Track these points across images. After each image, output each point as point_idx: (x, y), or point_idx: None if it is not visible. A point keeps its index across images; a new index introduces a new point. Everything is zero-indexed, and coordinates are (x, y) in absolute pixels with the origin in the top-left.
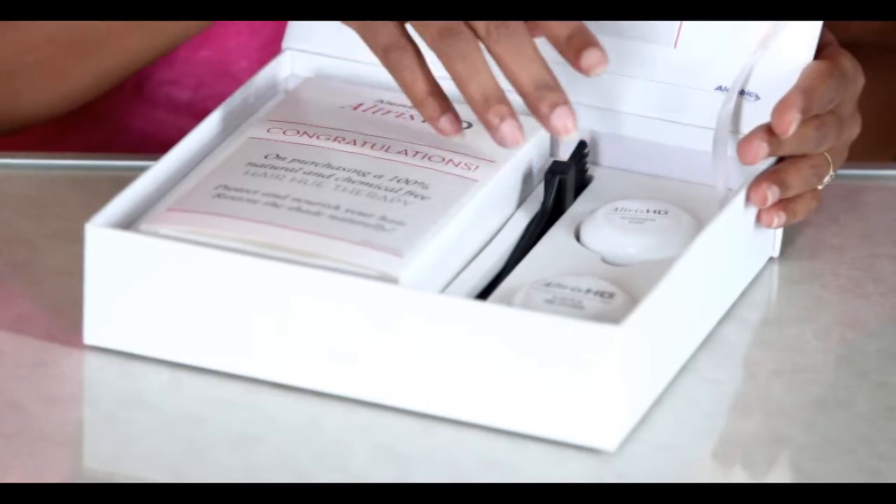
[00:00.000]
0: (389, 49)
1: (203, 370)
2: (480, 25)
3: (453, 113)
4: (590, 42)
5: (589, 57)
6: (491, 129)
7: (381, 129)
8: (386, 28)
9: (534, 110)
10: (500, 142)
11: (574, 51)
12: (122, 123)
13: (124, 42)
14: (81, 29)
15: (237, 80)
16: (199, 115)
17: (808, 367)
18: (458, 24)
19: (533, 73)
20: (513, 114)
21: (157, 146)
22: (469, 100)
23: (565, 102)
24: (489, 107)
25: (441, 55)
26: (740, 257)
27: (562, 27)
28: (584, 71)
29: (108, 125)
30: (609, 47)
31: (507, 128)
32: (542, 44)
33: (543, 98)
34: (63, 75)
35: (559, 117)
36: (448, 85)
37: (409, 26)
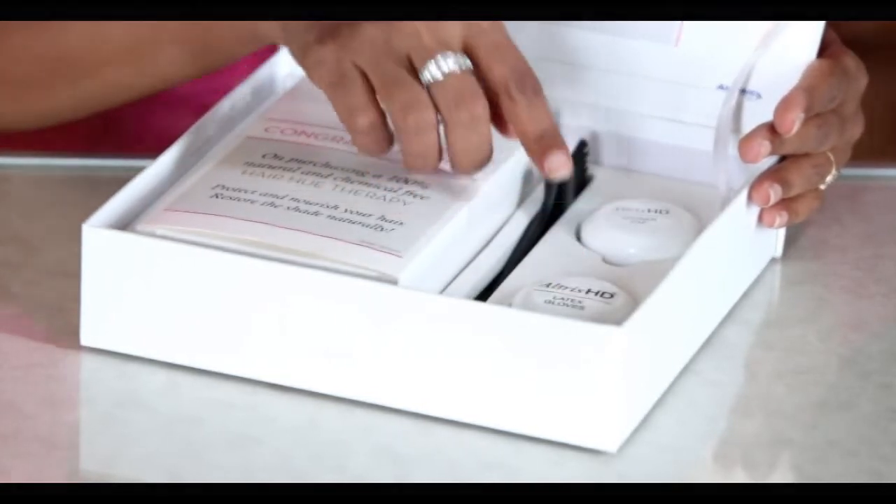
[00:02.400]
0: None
1: (200, 371)
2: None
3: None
4: (556, 145)
5: (554, 159)
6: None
7: None
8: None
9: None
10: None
11: (541, 150)
12: (119, 117)
13: (113, 74)
14: (71, 53)
15: (234, 78)
16: (197, 110)
17: (810, 368)
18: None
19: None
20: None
21: (154, 141)
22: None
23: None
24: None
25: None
26: (742, 257)
27: (534, 124)
28: (546, 172)
29: (104, 119)
30: (610, 46)
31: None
32: (530, 39)
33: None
34: (46, 94)
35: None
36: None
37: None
